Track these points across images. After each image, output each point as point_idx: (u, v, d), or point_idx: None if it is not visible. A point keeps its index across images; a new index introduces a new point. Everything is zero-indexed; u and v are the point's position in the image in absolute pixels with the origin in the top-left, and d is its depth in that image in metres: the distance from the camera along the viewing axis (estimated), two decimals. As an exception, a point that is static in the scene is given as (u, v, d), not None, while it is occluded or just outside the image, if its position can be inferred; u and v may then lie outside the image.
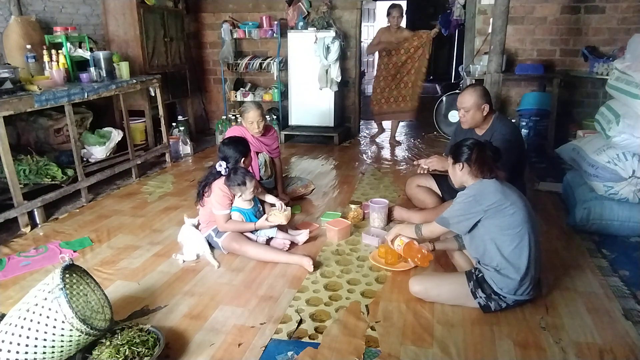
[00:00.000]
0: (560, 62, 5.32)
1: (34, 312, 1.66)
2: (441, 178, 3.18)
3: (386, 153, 5.38)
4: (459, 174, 2.22)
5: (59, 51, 3.87)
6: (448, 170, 2.36)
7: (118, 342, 1.80)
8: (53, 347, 1.66)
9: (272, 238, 2.84)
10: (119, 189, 4.09)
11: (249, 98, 6.01)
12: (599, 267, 2.59)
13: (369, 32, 9.40)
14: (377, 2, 8.87)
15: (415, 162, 3.19)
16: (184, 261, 2.72)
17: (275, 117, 5.96)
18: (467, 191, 2.16)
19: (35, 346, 1.64)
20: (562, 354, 1.90)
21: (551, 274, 2.47)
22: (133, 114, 4.68)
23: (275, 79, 6.01)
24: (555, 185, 3.88)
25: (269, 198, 3.01)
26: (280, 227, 2.88)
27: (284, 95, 6.04)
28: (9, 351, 1.64)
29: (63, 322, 1.65)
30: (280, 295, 2.35)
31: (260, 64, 6.02)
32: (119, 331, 1.88)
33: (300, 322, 2.12)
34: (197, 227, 2.98)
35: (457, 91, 5.93)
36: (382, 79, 5.54)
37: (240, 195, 2.80)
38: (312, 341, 1.99)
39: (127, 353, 1.76)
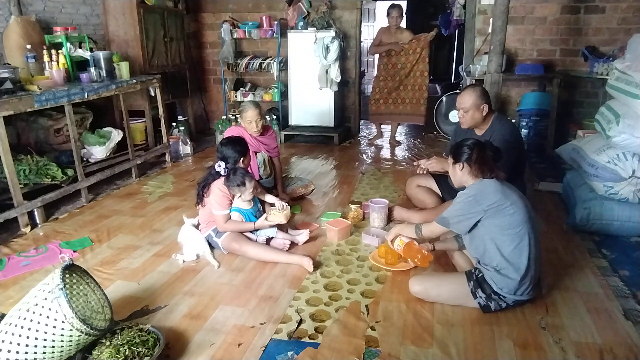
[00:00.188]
0: (560, 62, 5.33)
1: (34, 312, 1.66)
2: (441, 178, 3.18)
3: (386, 153, 5.38)
4: (459, 173, 2.22)
5: (59, 51, 3.87)
6: (448, 171, 2.37)
7: (118, 342, 1.80)
8: (53, 347, 1.66)
9: (272, 238, 2.84)
10: (119, 189, 4.09)
11: (249, 98, 6.01)
12: (599, 267, 2.59)
13: (369, 32, 9.41)
14: (377, 2, 8.88)
15: (415, 163, 3.19)
16: (184, 261, 2.72)
17: (275, 117, 5.96)
18: (467, 191, 2.16)
19: (35, 346, 1.64)
20: (562, 354, 1.90)
21: (551, 274, 2.48)
22: (133, 114, 4.68)
23: (275, 79, 6.01)
24: (555, 185, 3.88)
25: (269, 198, 3.01)
26: (280, 227, 2.88)
27: (284, 95, 6.04)
28: (9, 351, 1.64)
29: (63, 322, 1.65)
30: (280, 295, 2.35)
31: (260, 64, 6.02)
32: (119, 331, 1.88)
33: (300, 322, 2.12)
34: (197, 227, 2.98)
35: (457, 91, 5.93)
36: (382, 79, 5.53)
37: (240, 196, 2.80)
38: (312, 341, 1.99)
39: (127, 353, 1.76)
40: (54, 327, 1.65)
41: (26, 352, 1.64)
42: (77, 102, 3.63)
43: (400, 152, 5.39)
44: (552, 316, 2.14)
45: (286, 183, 3.84)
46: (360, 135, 6.35)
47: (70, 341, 1.69)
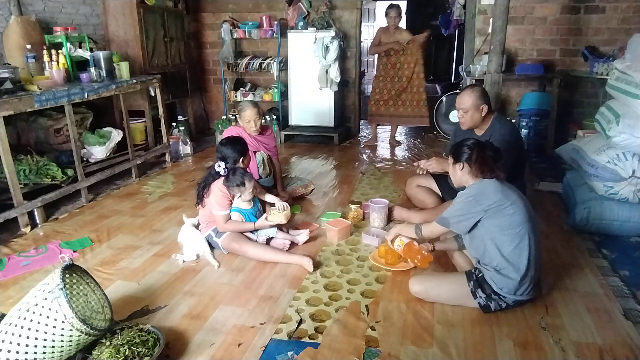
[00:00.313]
0: (560, 62, 5.32)
1: (34, 312, 1.66)
2: (441, 178, 3.18)
3: (386, 153, 5.38)
4: (459, 173, 2.22)
5: (59, 51, 3.87)
6: (448, 171, 2.37)
7: (118, 342, 1.80)
8: (53, 347, 1.66)
9: (272, 238, 2.84)
10: (119, 189, 4.09)
11: (249, 98, 6.00)
12: (599, 267, 2.59)
13: (369, 32, 9.41)
14: (377, 2, 8.88)
15: (415, 164, 3.19)
16: (184, 261, 2.72)
17: (275, 117, 5.96)
18: (467, 191, 2.16)
19: (35, 346, 1.64)
20: (562, 354, 1.90)
21: (551, 274, 2.48)
22: (133, 114, 4.68)
23: (275, 79, 6.01)
24: (555, 185, 3.88)
25: (269, 197, 3.01)
26: (280, 227, 2.88)
27: (284, 95, 6.04)
28: (9, 351, 1.64)
29: (63, 322, 1.65)
30: (280, 295, 2.35)
31: (260, 64, 6.02)
32: (119, 331, 1.88)
33: (300, 322, 2.12)
34: (197, 227, 2.98)
35: (457, 91, 5.92)
36: (382, 80, 5.51)
37: (240, 196, 2.80)
38: (312, 341, 1.99)
39: (127, 353, 1.76)
40: (54, 327, 1.65)
41: (26, 352, 1.64)
42: (77, 102, 3.63)
43: (400, 152, 5.39)
44: (552, 316, 2.14)
45: (286, 183, 3.84)
46: (360, 135, 6.35)
47: (70, 341, 1.69)
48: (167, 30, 5.32)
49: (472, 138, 2.33)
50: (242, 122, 3.49)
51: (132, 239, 3.06)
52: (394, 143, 5.73)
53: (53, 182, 3.53)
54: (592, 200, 3.02)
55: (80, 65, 4.14)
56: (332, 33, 5.45)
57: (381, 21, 8.59)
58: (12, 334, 1.65)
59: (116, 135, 4.38)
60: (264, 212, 2.88)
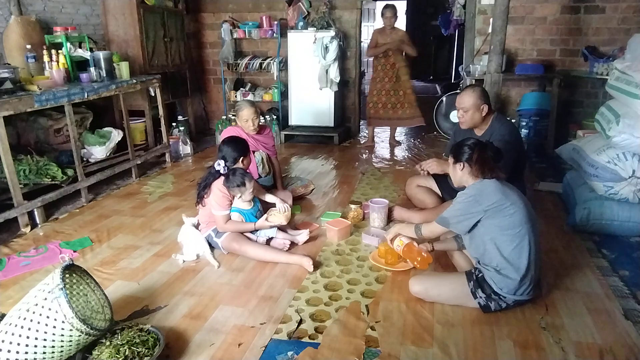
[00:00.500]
0: (560, 62, 5.32)
1: (34, 312, 1.66)
2: (441, 178, 3.18)
3: (386, 153, 5.38)
4: (460, 173, 2.22)
5: (59, 51, 3.87)
6: (447, 170, 2.37)
7: (118, 342, 1.80)
8: (53, 347, 1.66)
9: (272, 238, 2.84)
10: (119, 189, 4.09)
11: (249, 98, 6.00)
12: (599, 267, 2.59)
13: (369, 32, 9.38)
14: (377, 2, 8.88)
15: (416, 167, 3.19)
16: (184, 261, 2.72)
17: (275, 117, 5.96)
18: (467, 191, 2.17)
19: (35, 346, 1.64)
20: (562, 354, 1.90)
21: (551, 274, 2.48)
22: (133, 114, 4.68)
23: (275, 79, 6.01)
24: (555, 185, 3.88)
25: (269, 197, 3.01)
26: (280, 227, 2.88)
27: (284, 95, 6.04)
28: (9, 351, 1.64)
29: (63, 322, 1.65)
30: (280, 295, 2.35)
31: (260, 64, 6.02)
32: (119, 331, 1.88)
33: (300, 322, 2.12)
34: (196, 227, 2.98)
35: (457, 91, 5.92)
36: (379, 81, 5.45)
37: (240, 196, 2.80)
38: (312, 341, 1.99)
39: (127, 353, 1.76)
40: (54, 327, 1.65)
41: (26, 352, 1.64)
42: (77, 102, 3.64)
43: (400, 152, 5.39)
44: (552, 316, 2.14)
45: (286, 182, 3.85)
46: (360, 135, 6.35)
47: (70, 341, 1.69)
48: (167, 30, 5.32)
49: (473, 138, 2.33)
50: (240, 122, 3.49)
51: (132, 239, 3.06)
52: (394, 143, 5.73)
53: (53, 182, 3.53)
54: (592, 200, 3.02)
55: (80, 65, 4.14)
56: (331, 33, 5.45)
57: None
58: (12, 334, 1.65)
59: (116, 135, 4.38)
60: (264, 212, 2.88)
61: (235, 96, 6.13)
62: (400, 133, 6.34)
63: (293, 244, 2.88)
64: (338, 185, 4.18)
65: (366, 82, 8.81)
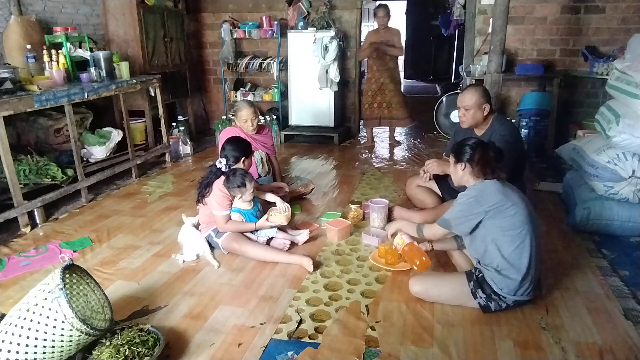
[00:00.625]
0: (560, 62, 5.32)
1: (34, 312, 1.66)
2: (441, 178, 3.18)
3: (386, 153, 5.38)
4: (461, 173, 2.21)
5: (59, 51, 3.87)
6: (447, 171, 2.36)
7: (118, 342, 1.80)
8: (53, 347, 1.66)
9: (272, 238, 2.84)
10: (119, 189, 4.09)
11: (249, 98, 6.00)
12: (599, 267, 2.59)
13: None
14: (377, 2, 8.87)
15: (420, 172, 3.17)
16: (184, 261, 2.72)
17: (275, 117, 5.96)
18: (468, 192, 2.16)
19: (35, 346, 1.64)
20: (562, 354, 1.90)
21: (551, 274, 2.47)
22: (133, 114, 4.68)
23: (275, 79, 6.01)
24: (555, 185, 3.88)
25: (269, 197, 3.01)
26: (281, 227, 2.88)
27: (284, 95, 6.04)
28: (9, 351, 1.64)
29: (63, 322, 1.65)
30: (280, 295, 2.35)
31: (260, 64, 6.02)
32: (119, 331, 1.88)
33: (300, 322, 2.12)
34: (196, 227, 2.98)
35: (457, 91, 5.93)
36: (374, 81, 5.41)
37: (240, 197, 2.80)
38: (312, 341, 1.99)
39: (127, 353, 1.76)
40: (54, 327, 1.65)
41: (26, 352, 1.64)
42: (77, 102, 3.64)
43: (400, 152, 5.39)
44: (552, 316, 2.14)
45: (285, 182, 3.84)
46: (360, 135, 6.34)
47: (70, 341, 1.69)
48: (167, 30, 5.32)
49: (474, 137, 2.32)
50: (239, 122, 3.50)
51: (132, 239, 3.06)
52: (394, 143, 5.73)
53: (53, 182, 3.53)
54: (592, 200, 3.02)
55: (80, 65, 4.14)
56: (331, 33, 5.45)
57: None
58: (12, 334, 1.65)
59: (116, 135, 4.38)
60: (265, 212, 2.88)
61: (235, 96, 6.13)
62: (400, 133, 6.34)
63: (293, 244, 2.88)
64: (338, 185, 4.18)
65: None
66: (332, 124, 5.84)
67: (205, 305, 2.28)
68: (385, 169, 4.66)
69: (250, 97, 6.02)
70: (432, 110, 6.09)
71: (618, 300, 2.27)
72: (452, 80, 9.74)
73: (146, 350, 1.80)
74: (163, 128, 4.82)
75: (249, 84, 6.35)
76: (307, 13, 5.82)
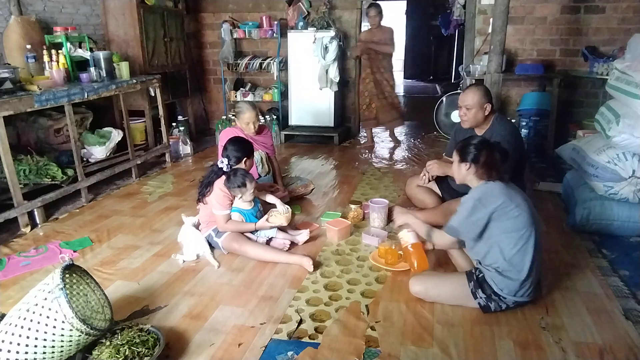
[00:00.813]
0: (560, 62, 5.32)
1: (34, 312, 1.66)
2: (441, 178, 3.18)
3: (386, 153, 5.38)
4: (464, 172, 2.19)
5: (59, 51, 3.87)
6: (448, 172, 2.35)
7: (118, 342, 1.80)
8: (53, 347, 1.66)
9: (272, 238, 2.84)
10: (119, 189, 4.09)
11: (249, 98, 6.00)
12: (599, 267, 2.59)
13: (368, 32, 9.38)
14: (377, 2, 8.86)
15: (421, 176, 3.16)
16: (184, 261, 2.72)
17: (275, 117, 5.96)
18: (471, 194, 2.14)
19: (35, 346, 1.64)
20: (562, 354, 1.90)
21: (551, 274, 2.47)
22: (133, 114, 4.68)
23: (275, 79, 6.01)
24: (555, 185, 3.88)
25: (269, 198, 3.01)
26: (281, 227, 2.88)
27: (284, 95, 6.04)
28: (9, 351, 1.64)
29: (63, 322, 1.65)
30: (280, 295, 2.35)
31: (260, 64, 6.02)
32: (119, 331, 1.88)
33: (300, 322, 2.12)
34: (197, 227, 2.98)
35: (457, 91, 5.93)
36: (369, 82, 5.41)
37: (241, 197, 2.80)
38: (312, 341, 1.99)
39: (127, 353, 1.76)
40: (54, 327, 1.65)
41: (26, 352, 1.64)
42: (77, 102, 3.64)
43: (400, 152, 5.39)
44: (552, 316, 2.14)
45: (285, 182, 3.84)
46: (360, 135, 6.34)
47: (70, 341, 1.69)
48: (167, 30, 5.32)
49: (479, 136, 2.30)
50: (241, 124, 3.49)
51: (132, 239, 3.06)
52: (394, 142, 5.73)
53: (53, 182, 3.53)
54: (592, 200, 3.02)
55: (80, 65, 4.14)
56: (331, 33, 5.45)
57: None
58: (12, 334, 1.65)
59: (116, 135, 4.38)
60: (265, 212, 2.88)
61: (235, 96, 6.13)
62: (400, 133, 6.34)
63: (293, 244, 2.88)
64: (338, 185, 4.18)
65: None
66: (332, 124, 5.84)
67: (205, 305, 2.28)
68: (385, 169, 4.66)
69: (250, 97, 6.02)
70: (432, 110, 6.09)
71: (618, 300, 2.27)
72: (452, 80, 9.74)
73: (146, 350, 1.80)
74: (163, 128, 4.82)
75: (249, 84, 6.35)
76: (307, 13, 5.82)
